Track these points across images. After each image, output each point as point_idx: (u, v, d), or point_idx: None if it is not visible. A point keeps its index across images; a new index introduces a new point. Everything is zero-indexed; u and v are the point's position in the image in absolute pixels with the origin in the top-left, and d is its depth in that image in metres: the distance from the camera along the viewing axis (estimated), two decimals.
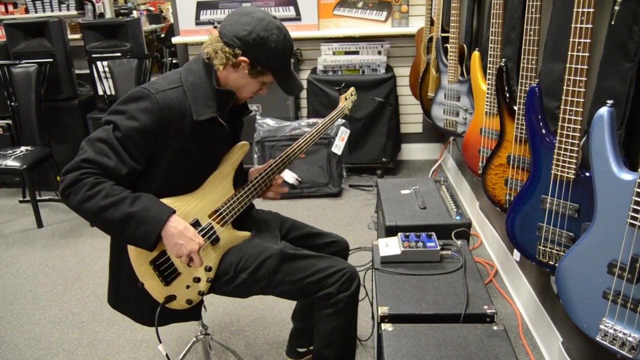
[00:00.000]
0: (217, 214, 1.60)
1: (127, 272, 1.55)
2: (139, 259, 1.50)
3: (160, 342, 1.51)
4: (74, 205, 1.39)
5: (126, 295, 1.65)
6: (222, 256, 1.64)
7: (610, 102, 1.20)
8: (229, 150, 1.64)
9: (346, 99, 2.10)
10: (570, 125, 1.39)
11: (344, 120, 3.76)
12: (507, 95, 1.84)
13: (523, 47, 1.70)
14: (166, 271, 1.53)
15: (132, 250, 1.50)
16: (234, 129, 1.70)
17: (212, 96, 1.51)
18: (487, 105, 2.14)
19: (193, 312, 1.69)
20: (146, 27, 7.02)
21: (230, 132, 1.64)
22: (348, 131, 3.73)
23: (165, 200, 1.49)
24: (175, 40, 4.27)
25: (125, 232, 1.40)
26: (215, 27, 1.54)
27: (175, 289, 1.56)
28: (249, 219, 1.79)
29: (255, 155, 3.77)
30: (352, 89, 2.14)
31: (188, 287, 1.58)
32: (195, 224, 1.55)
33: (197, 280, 1.58)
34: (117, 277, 1.64)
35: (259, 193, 1.72)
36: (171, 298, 1.56)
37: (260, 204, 2.00)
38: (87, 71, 4.06)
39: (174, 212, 1.46)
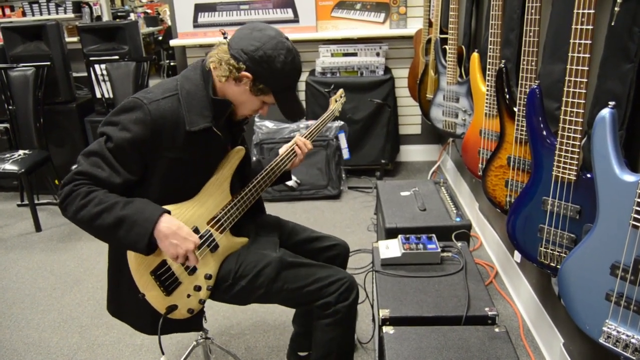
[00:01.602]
0: (215, 221, 1.59)
1: (126, 282, 1.54)
2: (139, 270, 1.49)
3: (163, 353, 1.50)
4: (71, 217, 1.41)
5: (126, 304, 1.63)
6: (221, 263, 1.63)
7: (612, 103, 1.20)
8: (225, 156, 1.63)
9: (336, 101, 2.10)
10: (570, 127, 1.39)
11: (342, 123, 3.76)
12: (507, 96, 1.84)
13: (522, 48, 1.70)
14: (167, 281, 1.52)
15: (132, 261, 1.48)
16: (233, 136, 1.68)
17: (207, 105, 1.49)
18: (486, 106, 2.14)
19: (194, 322, 1.68)
20: (143, 29, 7.01)
21: (228, 140, 1.62)
22: (344, 132, 3.75)
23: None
24: (173, 43, 4.26)
25: (118, 235, 1.39)
26: (225, 38, 1.52)
27: (176, 298, 1.55)
28: (248, 224, 1.77)
29: (254, 158, 3.76)
30: (340, 90, 2.15)
31: (189, 296, 1.57)
32: (194, 232, 1.53)
33: (198, 288, 1.57)
34: (116, 286, 1.63)
35: (256, 198, 1.71)
36: (173, 308, 1.54)
37: None
38: (85, 74, 4.06)
39: (167, 212, 1.44)
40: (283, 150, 1.82)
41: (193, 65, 1.55)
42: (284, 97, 1.53)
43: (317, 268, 1.67)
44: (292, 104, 1.56)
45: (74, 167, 1.46)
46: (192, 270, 1.56)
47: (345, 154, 3.78)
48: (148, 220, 1.40)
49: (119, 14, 6.31)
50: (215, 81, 1.52)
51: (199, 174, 1.57)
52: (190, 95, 1.48)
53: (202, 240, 1.55)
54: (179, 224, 1.44)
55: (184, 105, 1.46)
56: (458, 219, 2.15)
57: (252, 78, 1.47)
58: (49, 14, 4.92)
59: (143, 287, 1.50)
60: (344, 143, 3.77)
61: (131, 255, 1.48)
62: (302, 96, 4.20)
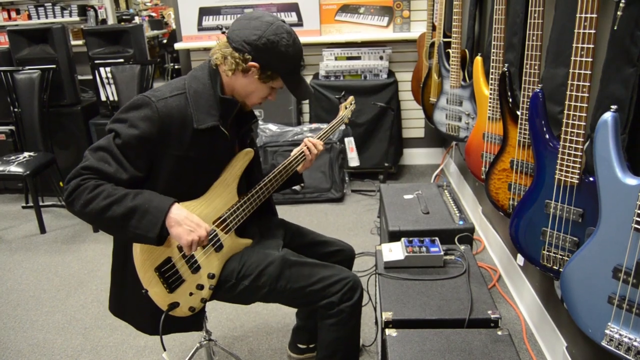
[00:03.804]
0: (221, 221, 1.60)
1: (130, 280, 1.55)
2: (144, 266, 1.51)
3: (165, 349, 1.51)
4: (78, 210, 1.40)
5: (129, 304, 1.65)
6: (225, 263, 1.64)
7: (614, 107, 1.21)
8: (234, 158, 1.64)
9: (346, 108, 2.11)
10: (573, 130, 1.39)
11: (345, 128, 3.77)
12: (510, 100, 1.85)
13: (525, 52, 1.71)
14: (171, 278, 1.54)
15: (137, 257, 1.50)
16: (241, 136, 1.69)
17: (215, 104, 1.51)
18: (489, 110, 2.14)
19: (195, 322, 1.69)
20: (148, 32, 7.04)
21: (235, 140, 1.63)
22: (352, 138, 3.76)
23: None
24: (177, 46, 4.28)
25: (129, 226, 1.39)
26: (223, 33, 1.54)
27: (178, 296, 1.56)
28: (253, 225, 1.78)
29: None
30: (351, 97, 2.15)
31: (191, 294, 1.58)
32: None
33: (201, 287, 1.59)
34: (119, 285, 1.65)
35: (262, 201, 1.72)
36: (174, 305, 1.56)
37: None
38: (90, 77, 4.08)
39: (176, 201, 1.45)
40: (294, 152, 1.83)
41: (200, 65, 1.57)
42: (292, 79, 1.56)
43: (321, 267, 1.67)
44: (300, 84, 1.59)
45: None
46: (196, 269, 1.57)
47: (354, 162, 3.78)
48: (159, 208, 1.40)
49: (123, 17, 6.34)
50: (223, 77, 1.54)
51: (205, 173, 1.58)
52: (198, 94, 1.49)
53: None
54: (188, 212, 1.45)
55: (191, 103, 1.48)
56: (461, 222, 2.15)
57: (259, 66, 1.49)
58: (55, 17, 4.95)
59: (147, 283, 1.52)
60: (349, 151, 3.78)
61: (137, 251, 1.50)
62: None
